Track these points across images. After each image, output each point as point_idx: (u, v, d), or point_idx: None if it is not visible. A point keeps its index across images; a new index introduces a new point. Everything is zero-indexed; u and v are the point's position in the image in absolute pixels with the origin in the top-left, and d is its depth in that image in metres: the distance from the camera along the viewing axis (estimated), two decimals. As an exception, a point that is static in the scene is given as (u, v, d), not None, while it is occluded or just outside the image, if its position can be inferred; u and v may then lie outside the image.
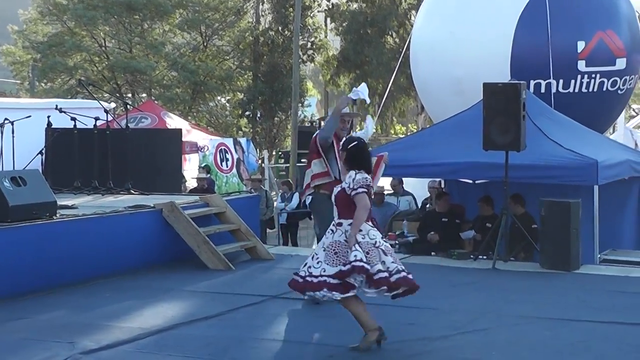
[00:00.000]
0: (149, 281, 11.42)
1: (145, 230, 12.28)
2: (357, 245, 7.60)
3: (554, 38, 17.28)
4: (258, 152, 34.17)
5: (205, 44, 40.94)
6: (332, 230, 7.79)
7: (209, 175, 21.26)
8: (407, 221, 15.89)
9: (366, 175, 7.88)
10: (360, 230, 7.65)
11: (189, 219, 12.50)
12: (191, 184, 21.76)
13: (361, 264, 7.50)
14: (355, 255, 7.53)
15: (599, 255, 13.64)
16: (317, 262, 7.68)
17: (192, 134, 25.17)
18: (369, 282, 7.63)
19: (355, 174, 7.86)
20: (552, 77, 17.27)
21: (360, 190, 7.75)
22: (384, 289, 7.66)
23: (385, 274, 7.61)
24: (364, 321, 7.85)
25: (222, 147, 24.06)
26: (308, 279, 7.66)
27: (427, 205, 16.58)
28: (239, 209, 13.72)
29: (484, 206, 14.41)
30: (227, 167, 23.90)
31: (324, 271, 7.59)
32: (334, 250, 7.62)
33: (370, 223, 7.84)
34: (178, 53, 39.39)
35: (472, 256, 13.39)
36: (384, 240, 7.87)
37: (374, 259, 7.60)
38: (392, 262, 7.70)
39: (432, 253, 14.10)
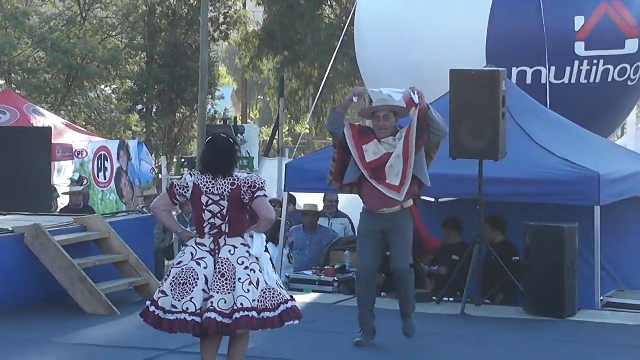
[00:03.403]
0: (7, 330, 10.99)
1: (0, 263, 11.77)
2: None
3: (544, 13, 16.62)
4: (154, 158, 32.18)
5: (83, 16, 38.49)
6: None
7: (86, 183, 20.82)
8: (350, 251, 14.29)
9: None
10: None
11: (60, 247, 12.03)
12: (65, 200, 20.98)
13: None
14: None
15: (601, 298, 12.92)
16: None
17: (66, 135, 24.10)
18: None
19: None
20: (544, 64, 16.75)
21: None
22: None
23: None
24: None
25: (103, 153, 23.30)
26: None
27: None
28: (126, 235, 13.15)
29: (450, 232, 13.53)
30: (105, 179, 22.94)
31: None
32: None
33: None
34: (47, 27, 36.93)
35: (434, 298, 12.85)
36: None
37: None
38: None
39: (383, 294, 12.99)
